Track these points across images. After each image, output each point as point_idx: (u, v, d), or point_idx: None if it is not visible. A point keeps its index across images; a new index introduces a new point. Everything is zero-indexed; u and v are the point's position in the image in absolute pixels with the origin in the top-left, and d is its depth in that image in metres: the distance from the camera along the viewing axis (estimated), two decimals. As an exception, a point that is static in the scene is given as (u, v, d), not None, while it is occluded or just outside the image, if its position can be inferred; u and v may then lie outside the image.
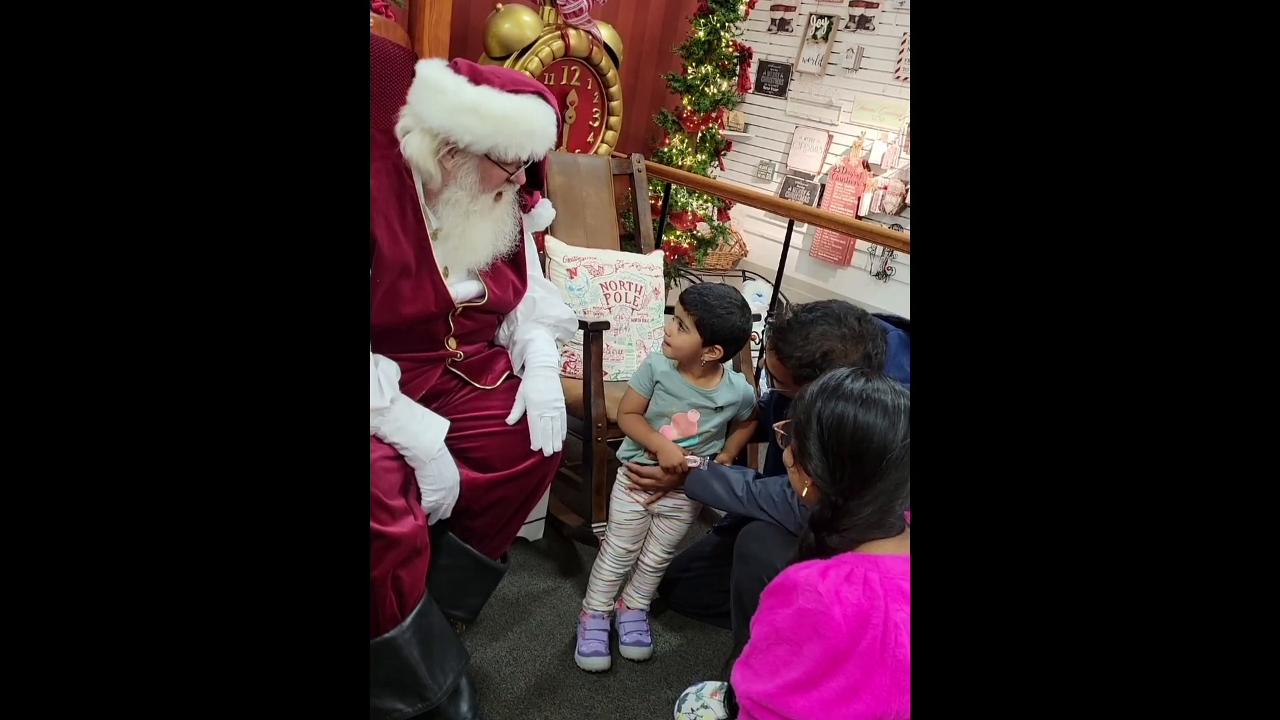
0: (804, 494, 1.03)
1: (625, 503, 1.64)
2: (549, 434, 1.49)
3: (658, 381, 1.57)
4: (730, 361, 1.63)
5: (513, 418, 1.49)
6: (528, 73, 2.55)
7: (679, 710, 1.25)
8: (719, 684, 1.27)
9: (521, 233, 1.57)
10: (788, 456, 1.07)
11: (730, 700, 1.07)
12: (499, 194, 1.46)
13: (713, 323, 1.49)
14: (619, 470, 1.67)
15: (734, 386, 1.60)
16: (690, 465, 1.56)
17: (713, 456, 1.63)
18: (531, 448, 1.48)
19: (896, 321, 1.56)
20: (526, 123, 1.37)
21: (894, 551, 0.96)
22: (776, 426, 1.12)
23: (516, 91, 1.37)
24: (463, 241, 1.44)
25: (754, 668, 0.92)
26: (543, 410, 1.49)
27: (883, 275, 4.05)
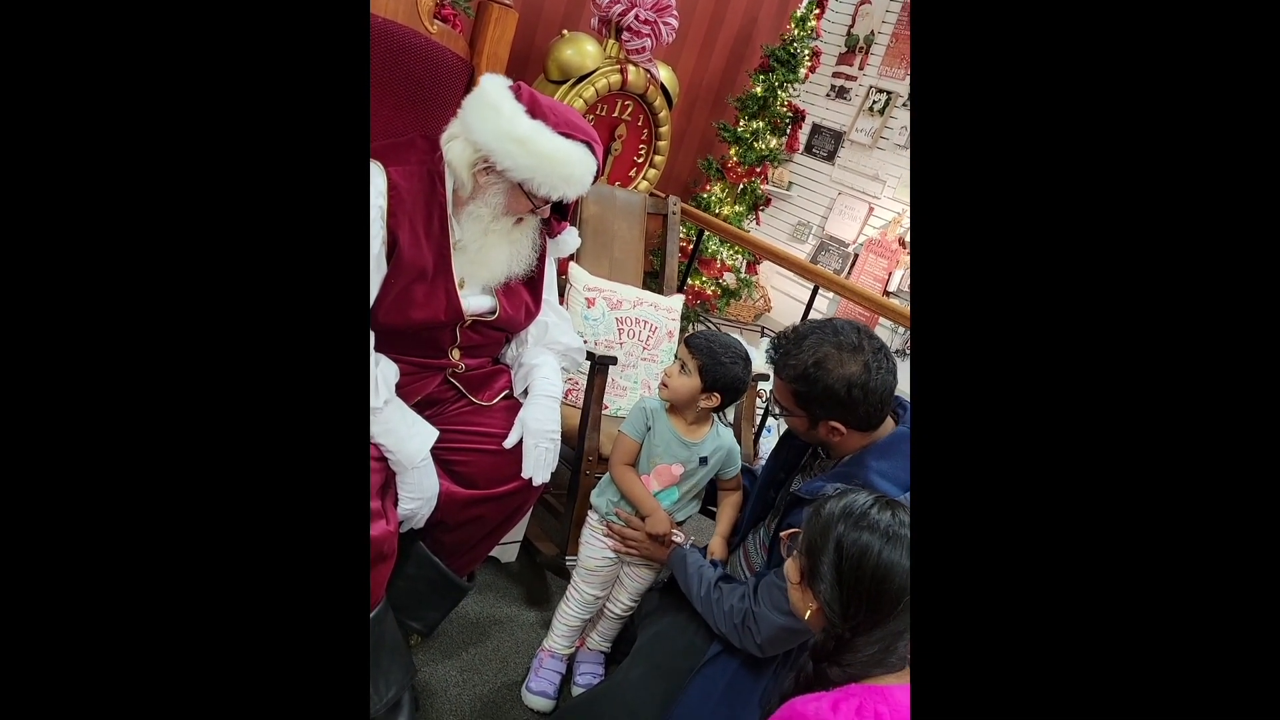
0: (806, 616, 0.98)
1: (597, 548, 1.59)
2: (541, 464, 1.49)
3: (650, 426, 1.54)
4: (731, 412, 1.61)
5: (509, 441, 1.48)
6: (581, 101, 2.58)
7: None
8: None
9: (543, 256, 1.58)
10: (792, 571, 1.00)
11: None
12: (520, 218, 1.47)
13: (715, 370, 1.47)
14: (590, 514, 1.63)
15: (719, 436, 1.57)
16: (675, 540, 1.53)
17: (682, 523, 1.59)
18: (522, 475, 1.47)
19: None
20: (567, 168, 1.38)
21: (898, 683, 0.91)
22: (783, 535, 1.06)
23: (568, 135, 1.38)
24: (479, 256, 1.44)
25: None
26: (539, 439, 1.48)
27: (902, 353, 4.02)
